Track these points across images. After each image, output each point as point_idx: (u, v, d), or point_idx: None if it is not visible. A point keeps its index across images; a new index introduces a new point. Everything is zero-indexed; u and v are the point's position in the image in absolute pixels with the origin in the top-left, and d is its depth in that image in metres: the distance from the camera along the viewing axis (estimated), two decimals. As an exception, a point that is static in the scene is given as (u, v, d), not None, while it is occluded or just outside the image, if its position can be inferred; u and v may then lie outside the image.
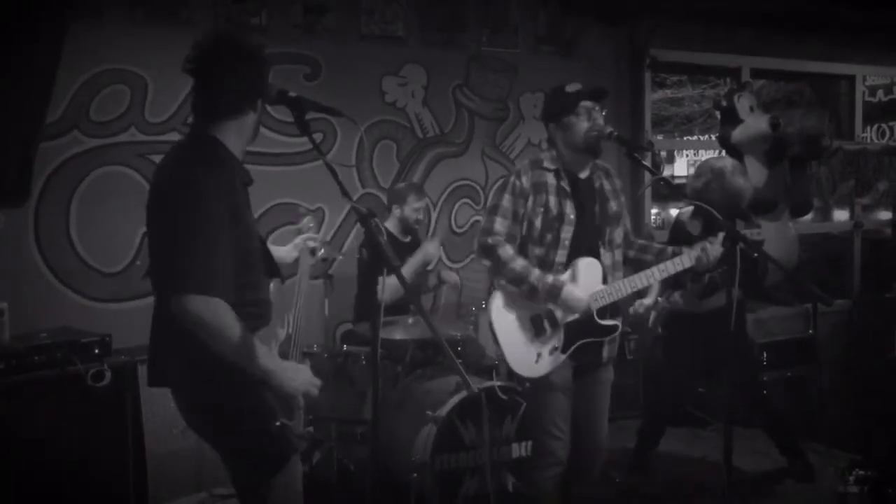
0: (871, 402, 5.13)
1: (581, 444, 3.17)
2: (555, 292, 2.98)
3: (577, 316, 3.02)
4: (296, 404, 2.29)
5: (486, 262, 3.08)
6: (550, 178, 3.07)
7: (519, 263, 3.01)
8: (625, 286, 3.07)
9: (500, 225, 3.06)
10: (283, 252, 2.78)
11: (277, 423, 2.15)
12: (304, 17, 4.62)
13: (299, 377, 2.21)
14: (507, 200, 3.07)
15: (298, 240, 2.85)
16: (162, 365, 2.23)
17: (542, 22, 5.41)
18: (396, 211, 4.45)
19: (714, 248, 3.05)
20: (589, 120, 3.03)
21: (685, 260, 3.07)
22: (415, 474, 3.53)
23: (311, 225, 2.98)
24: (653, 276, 3.08)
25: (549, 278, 2.99)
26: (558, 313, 3.04)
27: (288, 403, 2.23)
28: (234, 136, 2.24)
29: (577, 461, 3.16)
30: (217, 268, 2.04)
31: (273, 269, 2.42)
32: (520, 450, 3.73)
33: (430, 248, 4.30)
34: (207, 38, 2.21)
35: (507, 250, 3.03)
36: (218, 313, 2.04)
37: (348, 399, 3.94)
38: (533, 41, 5.40)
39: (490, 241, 3.05)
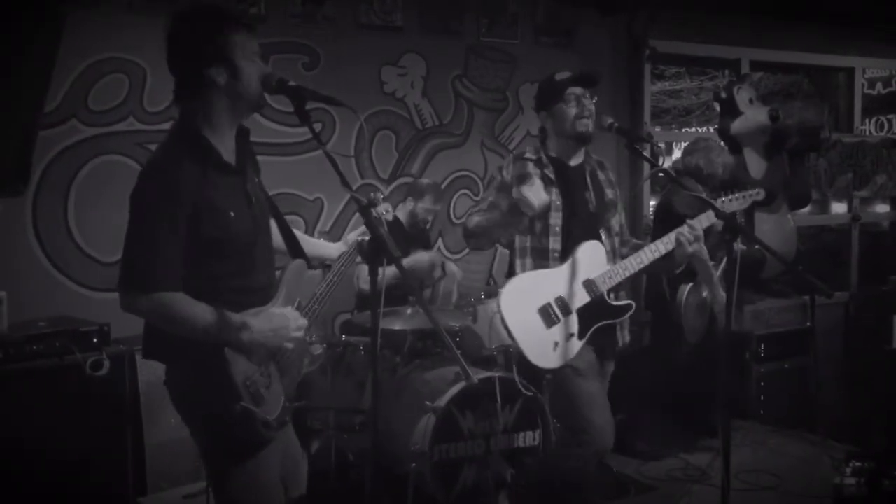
0: (868, 393, 5.15)
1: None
2: (523, 179, 2.90)
3: (588, 300, 3.01)
4: (284, 351, 2.23)
5: (471, 231, 3.07)
6: (531, 168, 3.07)
7: (480, 208, 3.06)
8: (632, 263, 3.05)
9: (477, 216, 3.08)
10: (330, 248, 2.74)
11: (238, 407, 2.07)
12: (303, 7, 4.60)
13: (279, 332, 2.16)
14: (491, 195, 3.11)
15: (353, 235, 2.78)
16: (146, 338, 2.23)
17: (541, 12, 5.40)
18: (410, 204, 4.50)
19: (699, 221, 3.04)
20: (577, 106, 3.04)
21: (673, 239, 3.05)
22: (413, 464, 3.54)
23: (389, 208, 2.94)
24: (657, 250, 3.06)
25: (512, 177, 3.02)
26: (571, 300, 3.02)
27: (258, 389, 2.13)
28: (207, 118, 2.15)
29: (582, 449, 3.18)
30: (157, 262, 2.02)
31: (295, 250, 2.39)
32: (518, 440, 3.75)
33: (424, 257, 4.40)
34: (167, 23, 2.17)
35: (473, 217, 3.07)
36: (164, 305, 2.04)
37: (347, 389, 3.95)
38: (532, 32, 5.39)
39: (464, 221, 3.11)
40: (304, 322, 2.23)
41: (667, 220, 4.21)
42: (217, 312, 2.06)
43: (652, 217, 5.14)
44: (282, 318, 2.18)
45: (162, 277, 2.04)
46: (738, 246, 2.63)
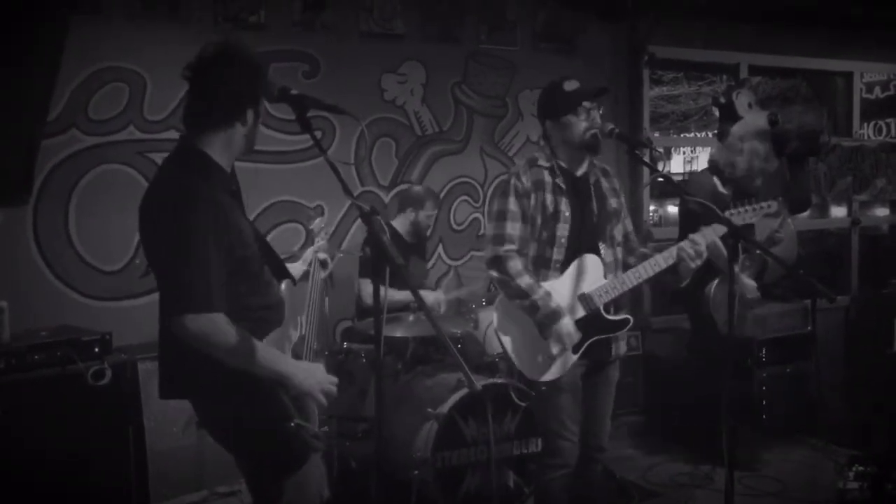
0: (870, 397, 5.14)
1: (584, 442, 3.16)
2: (553, 318, 2.93)
3: (583, 314, 3.01)
4: (317, 403, 2.31)
5: (494, 274, 3.02)
6: (546, 176, 3.05)
7: (525, 281, 2.95)
8: (629, 278, 3.03)
9: (511, 229, 3.01)
10: (292, 269, 2.80)
11: (293, 424, 2.19)
12: (303, 15, 4.61)
13: (314, 376, 2.25)
14: (513, 203, 3.02)
15: (308, 254, 2.90)
16: (173, 377, 2.25)
17: (541, 19, 5.40)
18: (411, 214, 4.48)
19: (702, 235, 3.01)
20: (588, 119, 3.02)
21: (674, 254, 3.02)
22: (416, 471, 3.53)
23: (323, 226, 3.00)
24: (657, 264, 3.02)
25: (553, 304, 2.94)
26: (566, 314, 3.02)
27: (304, 404, 2.25)
28: (222, 149, 2.23)
29: (579, 458, 3.16)
30: (211, 282, 2.06)
31: (281, 270, 2.43)
32: (521, 447, 3.74)
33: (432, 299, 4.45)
34: (209, 48, 2.21)
35: (517, 264, 2.98)
36: (218, 328, 2.07)
37: (348, 396, 3.94)
38: (531, 38, 5.39)
39: (502, 251, 2.99)
40: (335, 379, 2.32)
41: (686, 221, 4.22)
42: (255, 341, 2.13)
43: (651, 224, 5.14)
44: (320, 370, 2.30)
45: (217, 297, 2.08)
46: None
